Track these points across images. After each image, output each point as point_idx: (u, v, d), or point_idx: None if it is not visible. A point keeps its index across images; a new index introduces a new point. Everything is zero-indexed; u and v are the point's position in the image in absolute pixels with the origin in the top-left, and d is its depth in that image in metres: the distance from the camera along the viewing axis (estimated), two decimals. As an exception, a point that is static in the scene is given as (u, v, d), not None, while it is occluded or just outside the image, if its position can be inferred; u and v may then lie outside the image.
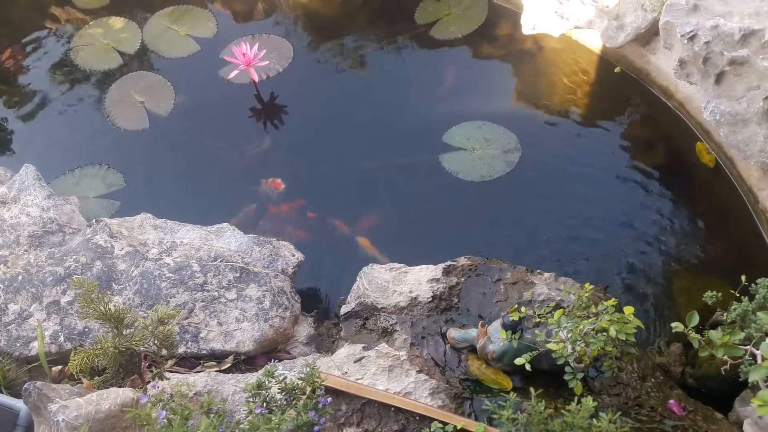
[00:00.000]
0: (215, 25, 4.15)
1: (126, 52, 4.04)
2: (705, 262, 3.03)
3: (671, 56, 3.17)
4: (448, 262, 2.69)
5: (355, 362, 2.40)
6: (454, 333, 2.46)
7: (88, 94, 3.88)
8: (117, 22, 4.18)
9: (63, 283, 2.63)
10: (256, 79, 3.70)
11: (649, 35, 3.41)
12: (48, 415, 2.03)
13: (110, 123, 3.71)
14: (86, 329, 2.54)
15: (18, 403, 2.23)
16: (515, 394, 2.03)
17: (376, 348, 2.44)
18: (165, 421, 1.70)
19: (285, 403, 1.83)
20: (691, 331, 2.07)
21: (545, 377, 2.27)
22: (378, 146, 3.55)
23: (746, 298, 2.18)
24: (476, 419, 2.22)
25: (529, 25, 3.70)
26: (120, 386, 2.25)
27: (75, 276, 2.61)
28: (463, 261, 2.70)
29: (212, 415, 1.73)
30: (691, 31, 2.80)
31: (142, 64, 3.99)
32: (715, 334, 2.04)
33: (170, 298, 2.59)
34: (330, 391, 2.21)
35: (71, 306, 2.58)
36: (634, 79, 3.61)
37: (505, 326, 2.25)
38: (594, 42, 3.72)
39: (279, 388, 1.87)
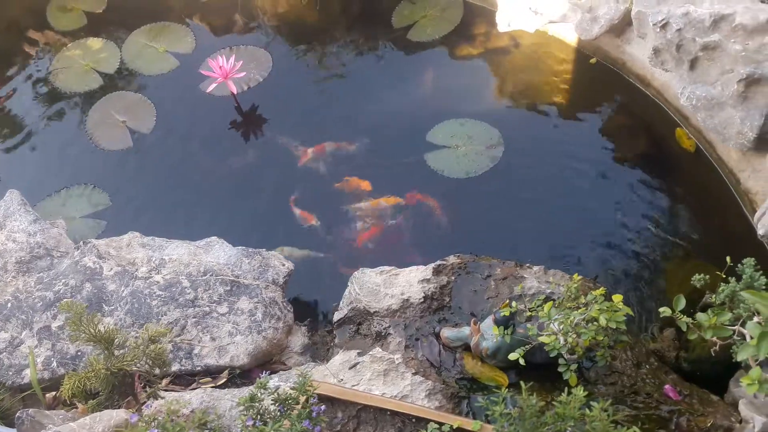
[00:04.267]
0: (194, 40, 4.14)
1: (106, 72, 4.03)
2: (692, 246, 3.05)
3: (645, 45, 3.20)
4: (438, 262, 2.70)
5: (350, 369, 2.40)
6: (447, 332, 2.46)
7: (70, 116, 3.86)
8: (95, 42, 4.16)
9: (53, 308, 2.61)
10: (235, 90, 3.70)
11: (622, 26, 3.44)
12: (43, 442, 2.02)
13: (93, 144, 3.70)
14: (79, 353, 2.53)
15: (12, 432, 2.22)
16: (507, 390, 2.03)
17: (370, 353, 2.44)
18: (158, 439, 1.69)
19: (279, 414, 1.83)
20: (679, 315, 2.09)
21: (541, 371, 2.28)
22: (362, 150, 3.56)
23: (734, 278, 2.20)
24: (474, 417, 2.22)
25: (505, 22, 3.72)
26: (115, 408, 2.24)
27: (64, 300, 2.59)
28: (452, 259, 2.71)
29: (207, 431, 1.72)
30: (663, 20, 2.83)
31: (122, 84, 3.98)
32: (702, 317, 2.06)
33: (162, 315, 2.58)
34: (325, 398, 2.21)
35: (62, 330, 2.56)
36: (611, 70, 3.64)
37: (497, 322, 2.25)
38: (569, 35, 3.74)
39: (272, 400, 1.87)
